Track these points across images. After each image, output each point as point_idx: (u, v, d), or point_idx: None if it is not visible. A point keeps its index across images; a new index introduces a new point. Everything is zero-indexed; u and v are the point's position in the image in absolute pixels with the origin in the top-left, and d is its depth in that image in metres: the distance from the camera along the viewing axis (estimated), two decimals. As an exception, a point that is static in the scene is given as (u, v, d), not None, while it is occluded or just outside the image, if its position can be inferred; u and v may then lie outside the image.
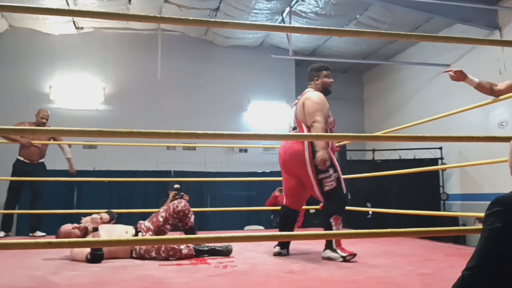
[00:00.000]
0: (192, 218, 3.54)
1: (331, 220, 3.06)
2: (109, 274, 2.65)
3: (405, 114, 9.08)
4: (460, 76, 3.20)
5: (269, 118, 9.34)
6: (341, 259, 2.95)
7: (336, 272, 2.63)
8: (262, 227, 7.35)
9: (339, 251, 3.00)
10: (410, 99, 9.16)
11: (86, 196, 7.67)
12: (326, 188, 3.11)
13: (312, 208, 6.13)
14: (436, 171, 7.85)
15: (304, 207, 6.58)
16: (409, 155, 8.13)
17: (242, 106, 9.33)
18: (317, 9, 7.43)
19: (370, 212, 7.05)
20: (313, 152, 3.12)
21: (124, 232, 3.36)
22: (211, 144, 7.16)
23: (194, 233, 3.46)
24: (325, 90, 3.38)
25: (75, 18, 8.13)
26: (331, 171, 3.10)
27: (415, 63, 8.66)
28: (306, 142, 3.17)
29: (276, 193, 6.39)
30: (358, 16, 7.65)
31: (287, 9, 7.53)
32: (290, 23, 7.64)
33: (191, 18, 1.94)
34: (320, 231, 2.88)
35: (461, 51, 7.58)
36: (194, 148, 8.46)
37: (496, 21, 6.95)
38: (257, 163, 8.71)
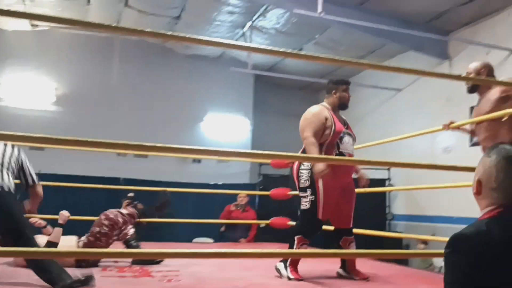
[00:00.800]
0: (131, 231, 3.46)
1: (295, 238, 3.08)
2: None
3: (357, 134, 9.29)
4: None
5: (225, 130, 9.33)
6: (286, 279, 2.97)
7: (281, 290, 2.65)
8: (211, 240, 7.28)
9: (289, 270, 3.02)
10: (363, 120, 9.41)
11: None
12: (301, 207, 3.19)
13: (262, 223, 6.16)
14: (383, 191, 8.09)
15: (256, 221, 6.63)
16: (359, 175, 8.33)
17: (199, 117, 9.28)
18: (278, 26, 7.54)
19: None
20: (299, 168, 3.20)
21: (67, 242, 3.26)
22: (164, 153, 7.05)
23: (133, 245, 3.38)
24: (341, 105, 3.44)
25: (30, 15, 7.85)
26: (308, 192, 3.12)
27: (368, 86, 8.93)
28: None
29: (231, 207, 6.36)
30: (317, 36, 7.81)
31: (249, 24, 7.60)
32: (251, 37, 7.70)
33: (148, 29, 1.92)
34: (270, 248, 2.91)
35: (412, 77, 7.88)
36: (145, 156, 8.30)
37: (446, 51, 7.30)
38: (210, 175, 8.66)
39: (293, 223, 5.43)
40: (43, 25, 8.31)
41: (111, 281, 2.71)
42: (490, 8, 6.43)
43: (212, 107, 9.36)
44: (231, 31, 7.98)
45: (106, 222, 3.34)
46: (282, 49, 2.10)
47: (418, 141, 7.19)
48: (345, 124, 3.39)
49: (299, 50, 8.31)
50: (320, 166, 3.03)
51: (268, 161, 5.69)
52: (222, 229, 6.63)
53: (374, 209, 7.98)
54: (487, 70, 3.35)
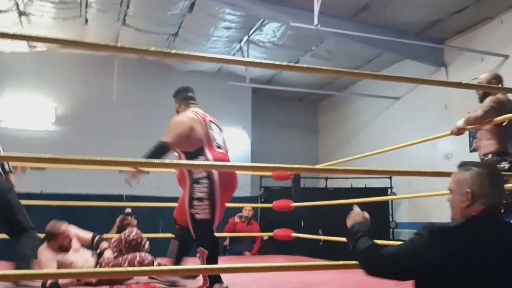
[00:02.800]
0: (147, 244, 3.48)
1: None
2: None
3: (358, 144, 9.36)
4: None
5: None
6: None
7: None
8: (215, 254, 7.25)
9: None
10: (363, 129, 9.46)
11: (32, 221, 7.31)
12: None
13: (266, 235, 6.16)
14: (386, 200, 8.10)
15: (260, 234, 6.62)
16: (360, 184, 8.35)
17: (199, 131, 9.30)
18: (275, 39, 7.61)
19: (322, 240, 7.14)
20: None
21: (90, 256, 3.29)
22: (166, 169, 7.06)
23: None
24: None
25: (29, 37, 7.93)
26: None
27: (367, 95, 8.98)
28: None
29: (236, 219, 6.35)
30: (313, 48, 7.89)
31: (245, 38, 7.67)
32: (248, 51, 7.77)
33: (146, 48, 1.96)
34: (275, 260, 2.93)
35: (410, 85, 7.94)
36: (148, 172, 8.29)
37: (442, 59, 7.37)
38: (212, 189, 8.65)
39: (297, 234, 5.44)
40: (41, 46, 8.39)
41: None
42: (483, 15, 6.51)
43: (211, 122, 9.39)
44: (228, 46, 8.06)
45: (127, 245, 3.35)
46: (278, 62, 2.15)
47: (418, 149, 7.21)
48: None
49: (296, 62, 8.38)
50: None
51: (269, 173, 5.70)
52: (226, 242, 6.62)
53: (378, 218, 7.97)
54: (497, 81, 3.44)
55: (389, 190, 8.07)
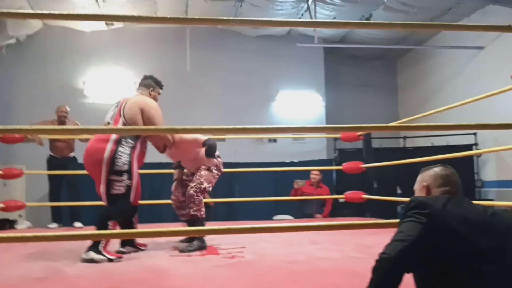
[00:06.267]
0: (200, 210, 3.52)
1: (109, 223, 2.98)
2: (118, 265, 2.74)
3: (440, 100, 8.78)
4: None
5: (298, 107, 9.28)
6: (107, 261, 2.86)
7: (339, 263, 2.62)
8: (291, 217, 7.34)
9: (105, 253, 2.90)
10: (446, 85, 8.86)
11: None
12: (113, 191, 3.05)
13: (340, 198, 6.08)
14: (471, 158, 7.58)
15: (332, 196, 6.56)
16: (442, 142, 7.88)
17: (271, 96, 9.31)
18: (343, -5, 7.28)
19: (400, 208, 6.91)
20: (115, 152, 3.04)
21: None
22: (240, 136, 7.20)
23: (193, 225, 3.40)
24: None
25: (106, 15, 8.32)
26: (124, 177, 3.05)
27: (448, 47, 8.35)
28: (111, 141, 3.07)
29: (296, 185, 6.36)
30: (386, 0, 7.43)
31: (313, -3, 7.42)
32: (315, 10, 7.52)
33: (214, 17, 1.96)
34: (292, 223, 2.89)
35: (495, 33, 7.23)
36: (223, 140, 8.52)
37: (532, 0, 6.60)
38: (286, 153, 8.69)
39: (368, 196, 5.30)
40: (117, 24, 8.79)
41: (176, 261, 2.85)
42: None
43: (283, 85, 9.34)
44: (296, 6, 7.86)
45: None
46: (348, 20, 2.04)
47: (506, 102, 6.62)
48: None
49: (368, 18, 7.98)
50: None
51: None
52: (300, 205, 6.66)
53: (462, 177, 7.40)
54: None
55: (474, 147, 7.54)
